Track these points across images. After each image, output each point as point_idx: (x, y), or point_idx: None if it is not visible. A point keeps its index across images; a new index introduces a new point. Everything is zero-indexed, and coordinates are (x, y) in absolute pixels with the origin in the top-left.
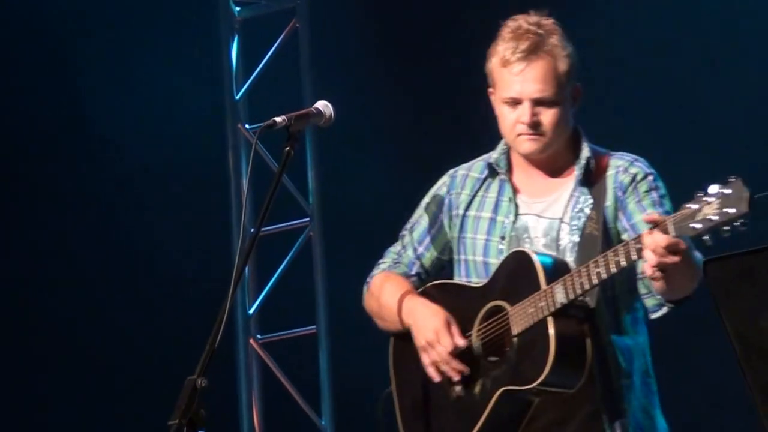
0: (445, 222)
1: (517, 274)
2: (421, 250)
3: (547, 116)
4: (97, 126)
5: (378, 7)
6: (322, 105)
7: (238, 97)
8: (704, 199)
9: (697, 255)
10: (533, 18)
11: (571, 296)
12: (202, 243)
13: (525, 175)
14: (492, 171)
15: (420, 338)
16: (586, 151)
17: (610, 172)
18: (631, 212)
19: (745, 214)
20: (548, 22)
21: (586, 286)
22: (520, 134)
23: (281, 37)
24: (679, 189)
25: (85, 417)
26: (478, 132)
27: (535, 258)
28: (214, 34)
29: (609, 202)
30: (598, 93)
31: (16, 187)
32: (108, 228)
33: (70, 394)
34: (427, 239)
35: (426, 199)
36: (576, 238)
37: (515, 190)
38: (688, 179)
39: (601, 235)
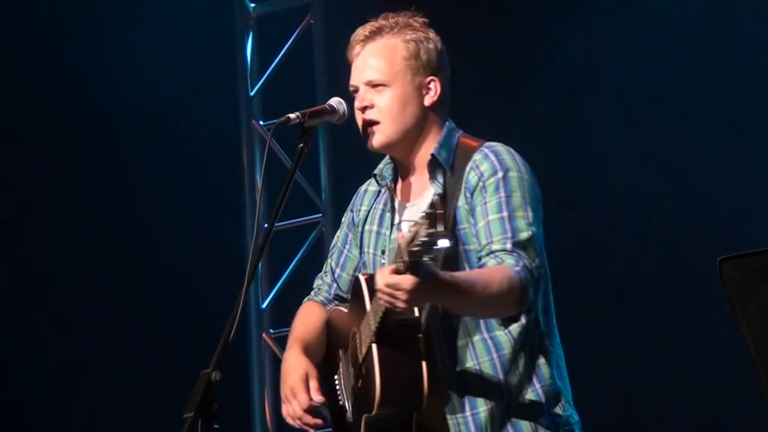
0: (352, 240)
1: (357, 298)
2: (338, 272)
3: (381, 99)
4: (110, 122)
5: (392, 3)
6: (336, 102)
7: (252, 94)
8: (420, 219)
9: (480, 284)
10: (398, 16)
11: (378, 321)
12: (216, 238)
13: (404, 180)
14: (379, 182)
15: (281, 391)
16: (435, 146)
17: (468, 167)
18: (477, 218)
19: (444, 233)
20: (411, 19)
21: (380, 313)
22: (362, 127)
23: (296, 34)
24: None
25: (99, 411)
26: (491, 128)
27: (362, 282)
28: (229, 30)
29: (461, 202)
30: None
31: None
32: (121, 224)
33: (83, 389)
34: (342, 260)
35: (342, 219)
36: None
37: (396, 198)
38: None
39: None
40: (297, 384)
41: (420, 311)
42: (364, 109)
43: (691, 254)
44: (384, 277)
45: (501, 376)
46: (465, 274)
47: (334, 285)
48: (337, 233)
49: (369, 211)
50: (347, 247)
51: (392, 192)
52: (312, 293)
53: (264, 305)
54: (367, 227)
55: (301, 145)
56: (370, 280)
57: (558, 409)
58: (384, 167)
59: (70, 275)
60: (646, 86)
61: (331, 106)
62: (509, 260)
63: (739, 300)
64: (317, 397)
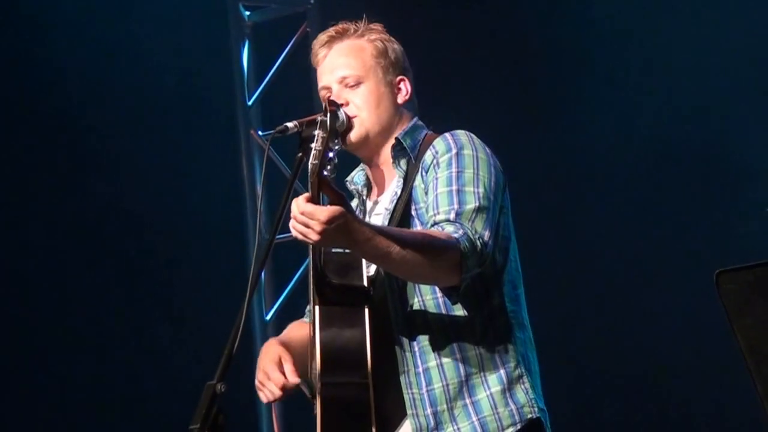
0: None
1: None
2: None
3: (357, 95)
4: (108, 137)
5: (388, 10)
6: None
7: (250, 103)
8: (314, 132)
9: (409, 239)
10: (358, 23)
11: (314, 274)
12: (217, 250)
13: (375, 183)
14: (349, 190)
15: (255, 381)
16: (400, 133)
17: (427, 151)
18: (429, 193)
19: (328, 134)
20: (372, 25)
21: (315, 255)
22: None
23: (292, 42)
24: None
25: (105, 423)
26: (487, 136)
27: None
28: (225, 39)
29: (417, 182)
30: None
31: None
32: (119, 236)
33: (89, 399)
34: None
35: None
36: (386, 222)
37: (368, 200)
38: None
39: (400, 214)
40: (269, 366)
41: (370, 283)
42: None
43: (688, 263)
44: (299, 205)
45: (458, 355)
46: (393, 228)
47: None
48: None
49: None
50: None
51: (361, 195)
52: (304, 317)
53: (268, 317)
54: None
55: (300, 154)
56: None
57: (520, 392)
58: (356, 174)
59: (70, 290)
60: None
61: None
62: (449, 228)
63: (736, 312)
64: (293, 378)
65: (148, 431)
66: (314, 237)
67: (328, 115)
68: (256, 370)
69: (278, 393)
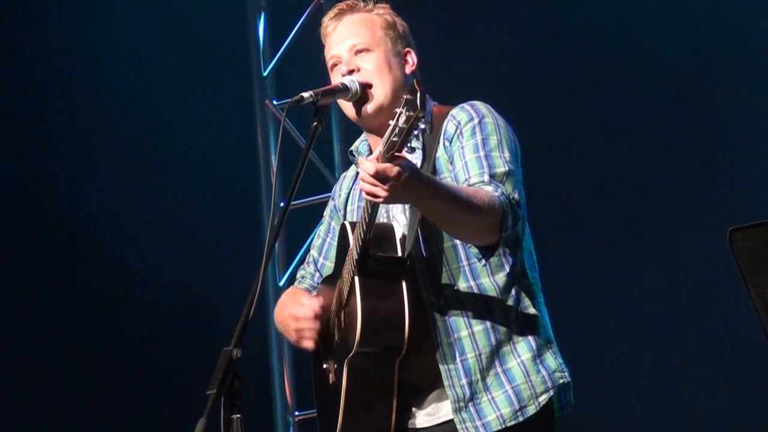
0: (335, 227)
1: (343, 245)
2: (321, 260)
3: (366, 62)
4: (123, 106)
5: None
6: (349, 80)
7: (265, 74)
8: (397, 110)
9: (462, 194)
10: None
11: (360, 245)
12: (232, 218)
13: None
14: (354, 159)
15: (290, 331)
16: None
17: (445, 121)
18: (455, 162)
19: (419, 113)
20: (380, 4)
21: (364, 227)
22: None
23: (307, 12)
24: None
25: (122, 387)
26: (506, 110)
27: (346, 222)
28: (241, 10)
29: (440, 153)
30: None
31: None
32: (135, 206)
33: (107, 365)
34: (325, 248)
35: (324, 213)
36: None
37: None
38: None
39: None
40: (293, 308)
41: (403, 251)
42: (351, 72)
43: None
44: (367, 167)
45: (488, 323)
46: (450, 183)
47: (317, 274)
48: (319, 228)
49: (349, 193)
50: (330, 236)
51: None
52: (296, 283)
53: (281, 282)
54: (349, 207)
55: (315, 123)
56: (355, 225)
57: (549, 357)
58: (360, 144)
59: (88, 254)
60: None
61: (344, 85)
62: (488, 188)
63: (750, 269)
64: (319, 303)
65: (169, 394)
66: (383, 194)
67: (418, 94)
68: (285, 327)
69: (316, 325)
